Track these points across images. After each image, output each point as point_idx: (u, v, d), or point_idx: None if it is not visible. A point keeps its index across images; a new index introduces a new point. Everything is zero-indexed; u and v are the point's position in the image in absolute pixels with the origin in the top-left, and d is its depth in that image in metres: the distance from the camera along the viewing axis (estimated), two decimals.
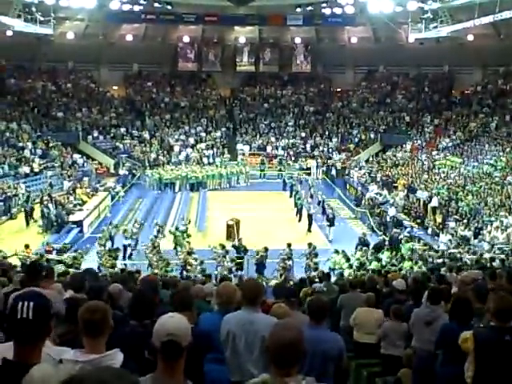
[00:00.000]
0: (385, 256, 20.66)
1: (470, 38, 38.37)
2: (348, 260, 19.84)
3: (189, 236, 23.05)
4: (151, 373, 2.99)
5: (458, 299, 5.76)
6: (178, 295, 4.88)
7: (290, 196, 32.37)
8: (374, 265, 18.98)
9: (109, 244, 22.40)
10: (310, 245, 20.96)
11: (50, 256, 20.02)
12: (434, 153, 37.19)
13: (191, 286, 8.27)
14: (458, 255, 19.88)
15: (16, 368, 2.75)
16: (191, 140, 42.38)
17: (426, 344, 6.32)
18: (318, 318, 4.98)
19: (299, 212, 28.42)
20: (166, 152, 40.83)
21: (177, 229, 23.74)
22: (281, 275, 18.79)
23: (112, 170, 38.29)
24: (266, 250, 20.65)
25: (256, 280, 7.81)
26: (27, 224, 26.10)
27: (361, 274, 15.01)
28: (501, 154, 32.86)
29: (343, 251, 20.74)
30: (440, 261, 18.88)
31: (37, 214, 26.66)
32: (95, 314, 3.26)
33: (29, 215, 26.35)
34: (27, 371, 2.59)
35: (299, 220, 28.02)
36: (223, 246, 20.64)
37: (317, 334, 4.65)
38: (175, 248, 22.36)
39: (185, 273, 18.51)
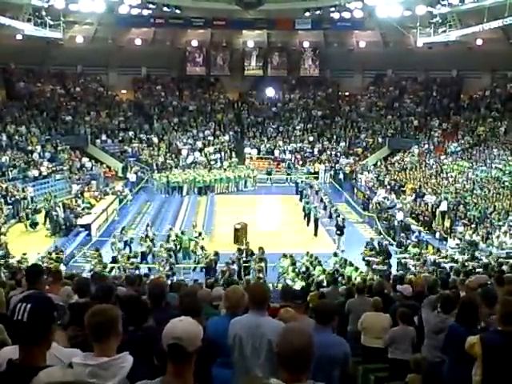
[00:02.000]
0: (332, 261, 20.50)
1: (479, 42, 38.25)
2: (294, 264, 19.63)
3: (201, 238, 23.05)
4: (159, 376, 3.00)
5: (464, 303, 5.75)
6: (186, 300, 4.87)
7: (300, 200, 32.40)
8: (318, 270, 18.92)
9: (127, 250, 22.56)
10: (259, 248, 20.89)
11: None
12: (443, 157, 37.08)
13: (198, 289, 8.27)
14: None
15: (20, 370, 2.77)
16: (199, 144, 42.44)
17: (434, 351, 6.30)
18: (324, 322, 4.97)
19: (307, 216, 28.37)
20: (173, 156, 40.92)
21: (182, 233, 23.78)
22: (224, 279, 18.39)
23: (120, 174, 38.39)
24: (217, 253, 20.69)
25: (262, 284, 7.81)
26: (34, 227, 26.27)
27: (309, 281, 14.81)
28: (509, 158, 32.71)
29: (291, 255, 20.47)
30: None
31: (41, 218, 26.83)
32: (100, 318, 3.24)
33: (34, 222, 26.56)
34: (31, 373, 2.60)
35: (307, 224, 27.94)
36: (168, 250, 20.70)
37: (323, 338, 4.64)
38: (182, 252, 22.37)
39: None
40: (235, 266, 19.71)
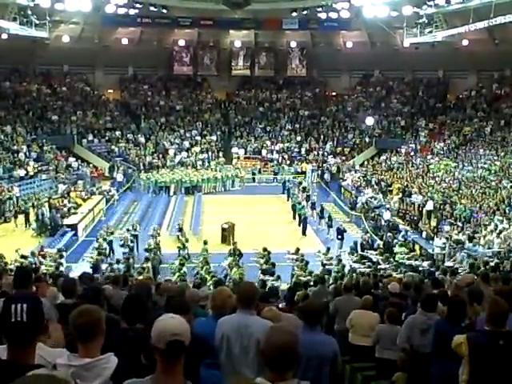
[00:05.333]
0: (227, 261, 20.29)
1: (465, 42, 38.51)
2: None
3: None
4: (145, 375, 2.97)
5: (453, 301, 5.78)
6: (175, 299, 4.85)
7: (288, 199, 32.37)
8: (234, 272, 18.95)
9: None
10: (155, 248, 21.42)
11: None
12: (429, 157, 37.27)
13: (186, 289, 8.24)
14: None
15: (10, 368, 2.73)
16: (186, 143, 42.37)
17: (421, 349, 6.32)
18: (312, 322, 4.96)
19: (298, 216, 28.13)
20: (161, 155, 40.81)
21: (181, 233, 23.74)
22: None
23: (107, 174, 38.21)
24: (101, 253, 20.77)
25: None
26: (26, 226, 26.22)
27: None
28: (495, 158, 32.95)
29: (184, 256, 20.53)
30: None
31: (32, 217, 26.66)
32: (86, 319, 3.22)
33: (27, 218, 26.48)
34: (21, 372, 2.57)
35: (299, 224, 27.70)
36: (59, 250, 20.74)
37: (311, 338, 4.64)
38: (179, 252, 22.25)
39: None
40: (120, 266, 19.12)
